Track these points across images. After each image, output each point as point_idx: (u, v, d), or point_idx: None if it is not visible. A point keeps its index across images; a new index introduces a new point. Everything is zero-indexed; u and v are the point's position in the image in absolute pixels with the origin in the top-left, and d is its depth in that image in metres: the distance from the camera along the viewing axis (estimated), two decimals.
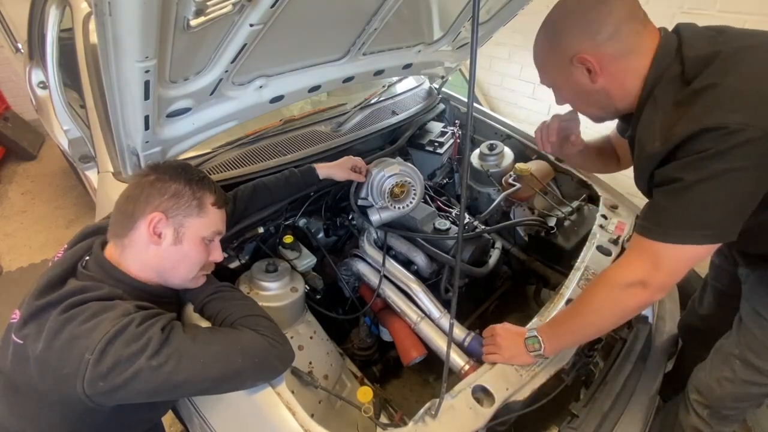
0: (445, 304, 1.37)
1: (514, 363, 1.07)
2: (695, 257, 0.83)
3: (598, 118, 1.03)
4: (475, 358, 1.17)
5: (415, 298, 1.36)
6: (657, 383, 1.31)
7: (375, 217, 1.41)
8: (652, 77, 0.86)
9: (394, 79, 2.02)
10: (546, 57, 0.95)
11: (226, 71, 1.09)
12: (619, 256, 1.34)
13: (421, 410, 0.96)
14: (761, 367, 1.09)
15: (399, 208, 1.40)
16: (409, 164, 1.43)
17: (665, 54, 0.85)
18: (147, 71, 0.84)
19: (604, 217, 1.52)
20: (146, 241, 0.88)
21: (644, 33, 0.87)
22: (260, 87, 1.26)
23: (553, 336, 1.05)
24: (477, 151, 1.85)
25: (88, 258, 0.92)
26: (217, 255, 0.99)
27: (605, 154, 1.33)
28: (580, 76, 0.90)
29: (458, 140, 1.96)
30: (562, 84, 0.97)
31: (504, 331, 1.12)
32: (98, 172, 1.48)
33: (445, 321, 1.30)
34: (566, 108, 1.09)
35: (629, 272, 0.89)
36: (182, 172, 0.93)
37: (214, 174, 1.38)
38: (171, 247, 0.90)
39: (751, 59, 0.79)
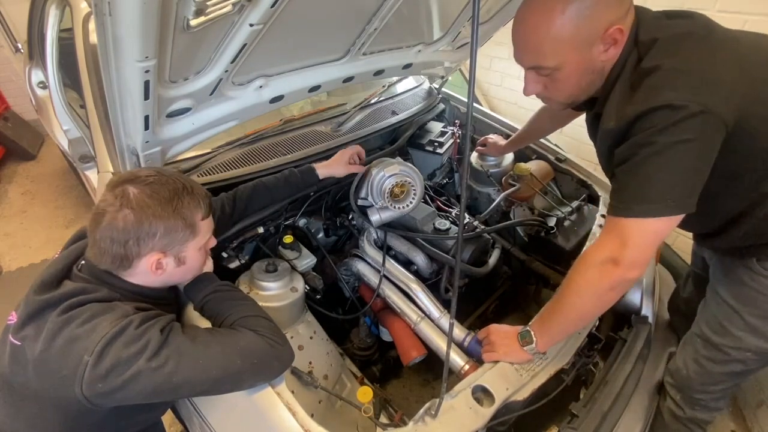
0: (445, 304, 1.37)
1: (511, 360, 1.08)
2: (659, 230, 0.87)
3: (568, 105, 1.03)
4: (475, 358, 1.17)
5: (415, 298, 1.36)
6: (657, 383, 1.31)
7: (375, 217, 1.41)
8: (621, 59, 0.90)
9: (394, 79, 2.02)
10: (571, 32, 0.84)
11: (226, 71, 1.09)
12: None
13: (421, 410, 0.96)
14: (717, 343, 1.14)
15: (399, 208, 1.40)
16: (409, 164, 1.43)
17: (630, 37, 0.89)
18: (147, 71, 0.84)
19: (604, 216, 1.51)
20: (149, 273, 0.88)
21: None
22: (260, 87, 1.26)
23: (542, 327, 1.07)
24: None
25: (84, 262, 0.91)
26: (212, 242, 1.01)
27: (541, 123, 1.61)
28: (598, 51, 0.87)
29: (458, 140, 1.96)
30: (571, 61, 0.89)
31: (496, 329, 1.15)
32: (98, 172, 1.48)
33: (445, 321, 1.30)
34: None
35: (601, 250, 0.92)
36: (166, 202, 0.84)
37: (214, 174, 1.38)
38: (175, 269, 0.92)
39: (687, 43, 0.85)
